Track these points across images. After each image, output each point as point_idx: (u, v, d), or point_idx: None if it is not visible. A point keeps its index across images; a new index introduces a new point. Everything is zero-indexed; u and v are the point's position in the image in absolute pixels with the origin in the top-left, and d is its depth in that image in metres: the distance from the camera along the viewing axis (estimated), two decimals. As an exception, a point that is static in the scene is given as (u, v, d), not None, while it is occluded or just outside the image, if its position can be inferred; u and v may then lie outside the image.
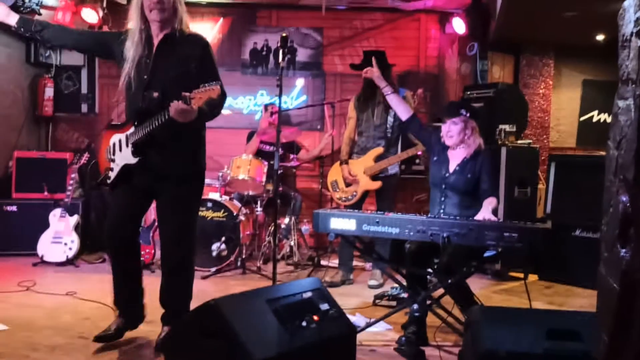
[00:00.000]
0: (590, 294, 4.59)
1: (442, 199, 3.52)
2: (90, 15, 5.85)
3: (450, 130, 3.49)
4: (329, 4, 6.22)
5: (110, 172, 3.09)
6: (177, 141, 2.98)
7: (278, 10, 6.62)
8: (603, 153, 5.42)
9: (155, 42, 2.98)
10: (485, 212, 3.25)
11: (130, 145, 2.98)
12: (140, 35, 2.95)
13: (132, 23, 2.98)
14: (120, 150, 3.04)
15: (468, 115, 3.49)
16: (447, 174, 3.53)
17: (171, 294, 3.16)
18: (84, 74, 6.19)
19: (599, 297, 1.66)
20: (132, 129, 2.98)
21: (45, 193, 5.46)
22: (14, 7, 4.91)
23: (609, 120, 6.28)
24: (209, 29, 6.60)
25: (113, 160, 3.08)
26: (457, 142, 3.51)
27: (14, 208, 5.44)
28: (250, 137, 5.93)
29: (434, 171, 3.62)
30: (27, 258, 5.18)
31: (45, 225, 5.15)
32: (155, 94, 2.94)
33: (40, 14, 5.24)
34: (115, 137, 3.08)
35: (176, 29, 2.96)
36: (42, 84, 5.98)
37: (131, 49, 2.94)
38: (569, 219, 5.02)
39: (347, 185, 4.75)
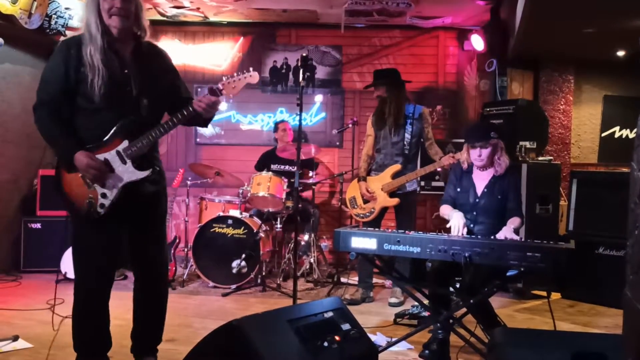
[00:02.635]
0: (615, 313, 4.52)
1: (471, 225, 3.50)
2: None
3: (482, 154, 3.49)
4: (347, 22, 6.28)
5: (99, 199, 2.69)
6: (153, 151, 2.85)
7: (297, 29, 6.70)
8: (625, 169, 5.39)
9: (122, 50, 2.73)
10: (507, 231, 3.23)
11: (129, 161, 2.70)
12: (103, 42, 2.64)
13: (90, 27, 2.64)
14: (112, 171, 2.69)
15: (497, 136, 3.49)
16: (477, 199, 3.51)
17: None
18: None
19: (625, 320, 1.64)
20: (124, 144, 2.69)
21: (69, 210, 5.54)
22: (40, 29, 5.04)
23: (631, 136, 6.24)
24: (230, 48, 6.70)
25: (104, 186, 2.69)
26: (488, 164, 3.51)
27: (38, 225, 5.53)
28: (262, 160, 5.98)
29: (462, 199, 3.58)
30: (50, 275, 5.23)
31: (69, 242, 5.21)
32: (145, 104, 2.75)
33: (65, 35, 5.36)
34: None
35: (142, 39, 2.76)
36: (67, 103, 6.09)
37: (97, 57, 2.62)
38: (591, 236, 4.96)
39: (365, 202, 4.75)
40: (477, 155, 3.50)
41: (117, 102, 2.68)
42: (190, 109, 2.72)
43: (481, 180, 3.54)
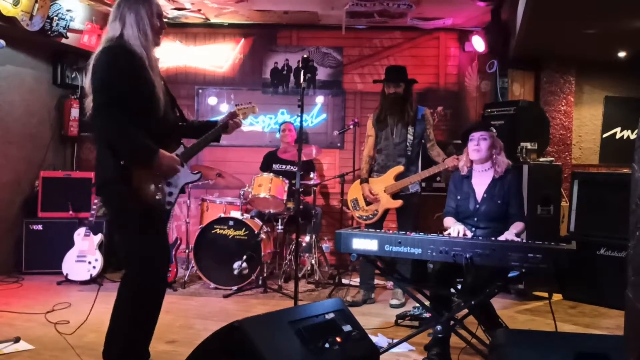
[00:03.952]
0: (617, 314, 4.52)
1: (474, 230, 3.49)
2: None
3: (480, 144, 3.50)
4: (348, 24, 6.28)
5: (167, 197, 2.84)
6: None
7: (298, 30, 6.70)
8: (626, 170, 5.39)
9: None
10: (509, 235, 3.24)
11: (185, 164, 2.92)
12: (153, 55, 2.83)
13: (149, 40, 2.79)
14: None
15: (495, 133, 3.52)
16: (477, 205, 3.51)
17: None
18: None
19: (627, 320, 1.64)
20: (181, 148, 2.92)
21: (70, 212, 5.56)
22: (42, 31, 5.05)
23: (632, 136, 6.23)
24: (231, 50, 6.70)
25: (170, 185, 2.86)
26: (484, 157, 3.51)
27: (40, 227, 5.54)
28: (265, 159, 6.01)
29: (462, 207, 3.58)
30: (52, 276, 5.25)
31: (70, 244, 5.23)
32: (178, 113, 3.03)
33: (67, 37, 5.37)
34: None
35: None
36: (68, 104, 6.12)
37: (150, 69, 2.76)
38: (593, 237, 4.96)
39: (368, 203, 4.74)
40: (474, 145, 3.51)
41: (166, 111, 2.82)
42: (225, 124, 3.08)
43: (480, 185, 3.54)
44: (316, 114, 6.63)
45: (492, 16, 5.81)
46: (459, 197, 3.61)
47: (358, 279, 4.94)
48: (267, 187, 5.13)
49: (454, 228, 3.39)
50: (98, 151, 2.80)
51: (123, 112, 2.63)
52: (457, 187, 3.64)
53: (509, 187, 3.48)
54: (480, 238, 3.18)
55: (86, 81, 2.80)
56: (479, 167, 3.58)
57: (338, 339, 2.57)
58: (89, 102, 2.76)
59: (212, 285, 5.08)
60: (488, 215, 3.47)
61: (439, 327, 3.14)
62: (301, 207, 5.28)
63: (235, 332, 2.34)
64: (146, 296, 2.82)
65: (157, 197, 2.77)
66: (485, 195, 3.51)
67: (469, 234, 3.37)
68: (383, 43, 6.65)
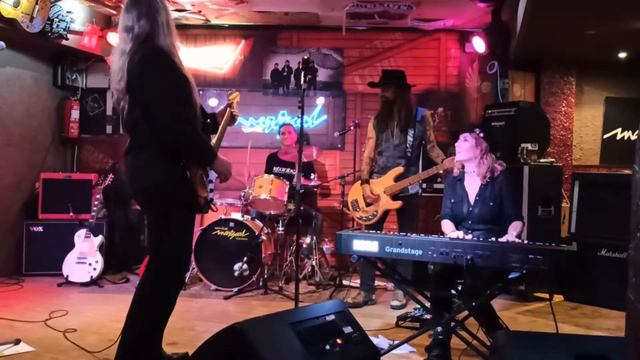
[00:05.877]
0: (618, 315, 4.52)
1: (469, 232, 3.49)
2: (117, 39, 5.97)
3: (460, 146, 3.51)
4: (349, 25, 6.28)
5: (209, 195, 2.94)
6: None
7: (299, 32, 6.70)
8: (627, 171, 5.38)
9: None
10: (510, 237, 3.23)
11: None
12: None
13: (176, 43, 2.81)
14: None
15: (482, 135, 3.50)
16: (470, 208, 3.51)
17: None
18: (109, 96, 6.35)
19: (628, 322, 1.64)
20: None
21: (71, 214, 5.56)
22: (42, 33, 5.05)
23: (633, 137, 6.22)
24: (231, 51, 6.70)
25: (210, 182, 2.96)
26: (464, 158, 3.52)
27: (40, 229, 5.54)
28: (267, 161, 6.01)
29: (456, 210, 3.59)
30: (52, 278, 5.25)
31: (71, 245, 5.23)
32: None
33: (67, 39, 5.37)
34: None
35: None
36: (69, 106, 6.12)
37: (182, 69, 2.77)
38: (594, 238, 4.95)
39: (368, 204, 4.74)
40: (457, 146, 3.53)
41: (197, 110, 2.83)
42: (230, 116, 3.19)
43: (472, 187, 3.56)
44: (317, 115, 6.63)
45: (492, 17, 5.80)
46: (452, 200, 3.61)
47: (359, 281, 4.93)
48: (268, 189, 5.12)
49: (454, 235, 3.39)
50: (143, 154, 2.71)
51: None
52: (452, 189, 3.65)
53: (500, 188, 3.48)
54: (481, 239, 3.18)
55: (114, 81, 2.74)
56: (470, 169, 3.58)
57: (339, 341, 2.57)
58: (121, 103, 2.72)
59: (213, 286, 5.07)
60: (481, 218, 3.48)
61: (439, 329, 3.14)
62: (302, 208, 5.28)
63: (236, 334, 2.34)
64: (167, 298, 2.82)
65: (205, 196, 2.84)
66: (477, 198, 3.51)
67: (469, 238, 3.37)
68: (383, 44, 6.65)
